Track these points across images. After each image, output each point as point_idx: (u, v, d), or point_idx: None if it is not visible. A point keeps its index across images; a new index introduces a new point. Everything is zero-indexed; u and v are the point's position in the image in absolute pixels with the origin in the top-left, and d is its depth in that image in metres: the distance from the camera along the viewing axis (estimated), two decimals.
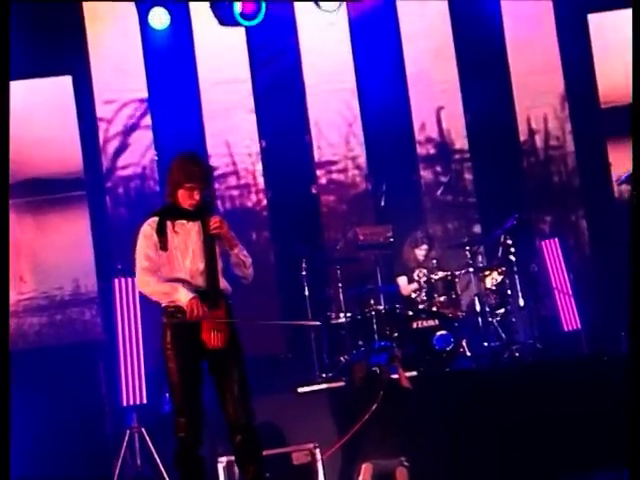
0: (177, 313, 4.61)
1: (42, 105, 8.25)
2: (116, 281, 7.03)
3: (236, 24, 8.03)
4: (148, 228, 4.70)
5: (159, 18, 7.92)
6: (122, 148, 8.35)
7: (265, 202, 8.57)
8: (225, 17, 8.01)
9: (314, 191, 8.62)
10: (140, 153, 8.37)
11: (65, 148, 8.21)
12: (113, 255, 7.81)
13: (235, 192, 8.56)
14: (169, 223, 4.65)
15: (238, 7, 7.86)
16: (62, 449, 7.05)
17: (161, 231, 4.63)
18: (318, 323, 5.41)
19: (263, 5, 7.93)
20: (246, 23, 8.02)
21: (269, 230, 8.55)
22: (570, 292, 8.03)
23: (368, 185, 8.61)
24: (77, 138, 8.25)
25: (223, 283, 4.70)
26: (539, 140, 8.84)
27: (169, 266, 4.63)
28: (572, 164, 8.83)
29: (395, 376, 6.34)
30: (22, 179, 8.08)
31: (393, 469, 5.99)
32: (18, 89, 8.16)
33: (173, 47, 8.33)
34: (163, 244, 4.61)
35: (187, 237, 4.64)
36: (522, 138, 8.81)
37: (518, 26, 8.74)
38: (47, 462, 6.95)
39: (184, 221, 4.66)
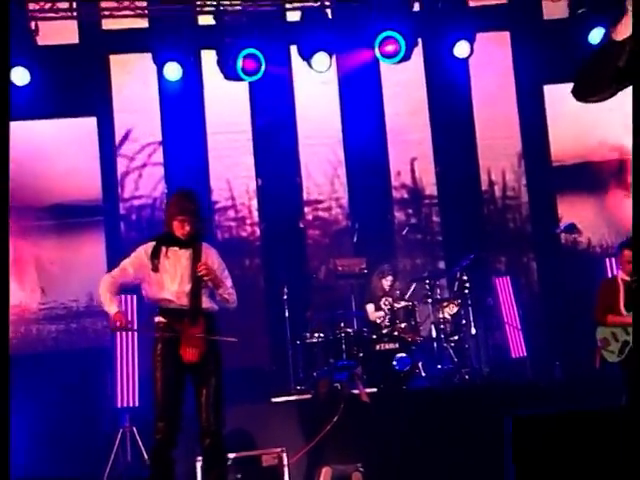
0: (167, 329, 4.66)
1: (69, 141, 8.29)
2: (122, 297, 7.04)
3: (239, 79, 8.03)
4: (142, 251, 4.79)
5: (173, 71, 7.90)
6: (136, 181, 8.38)
7: (258, 233, 8.60)
8: (229, 72, 8.03)
9: (301, 225, 8.64)
10: (152, 186, 8.41)
11: (87, 179, 8.26)
12: None
13: (233, 223, 8.58)
14: (163, 248, 4.72)
15: (241, 64, 7.85)
16: (63, 443, 7.05)
17: (155, 255, 4.69)
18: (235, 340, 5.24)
19: (263, 64, 7.93)
20: (247, 78, 8.03)
21: (260, 258, 8.57)
22: (518, 324, 8.03)
23: (348, 222, 8.63)
24: (98, 171, 8.31)
25: (207, 303, 4.74)
26: (498, 190, 8.86)
27: (157, 286, 4.69)
28: (525, 213, 8.85)
29: (355, 391, 6.36)
30: (48, 204, 8.15)
31: (350, 473, 5.99)
32: (49, 127, 8.27)
33: (185, 96, 8.36)
34: (155, 266, 4.68)
35: (177, 262, 4.71)
36: (483, 188, 8.84)
37: (484, 92, 8.78)
38: (47, 453, 6.94)
39: (176, 248, 4.73)
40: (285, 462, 6.07)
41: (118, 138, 8.39)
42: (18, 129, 8.18)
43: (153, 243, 4.79)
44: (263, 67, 7.94)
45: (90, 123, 8.32)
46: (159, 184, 8.41)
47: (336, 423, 6.09)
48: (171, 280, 4.68)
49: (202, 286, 4.70)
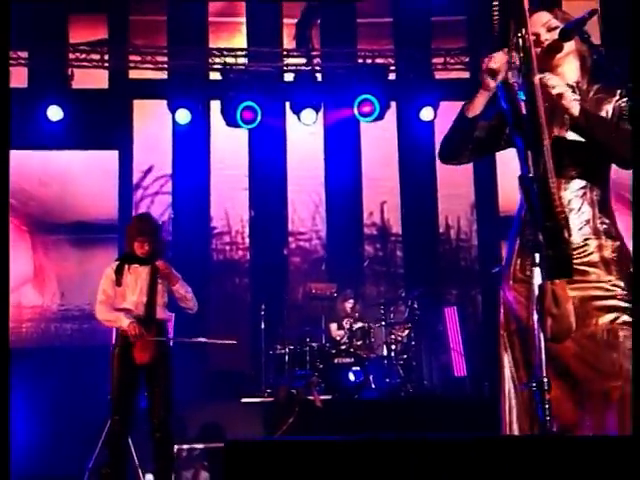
0: (123, 335, 4.62)
1: (93, 170, 8.26)
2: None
3: (238, 126, 7.98)
4: (109, 269, 4.75)
5: (183, 116, 7.87)
6: (148, 206, 8.31)
7: (248, 257, 8.53)
8: (230, 120, 8.01)
9: (285, 252, 8.56)
10: (161, 211, 8.32)
11: (106, 202, 8.20)
12: None
13: (227, 247, 8.51)
14: (126, 266, 4.69)
15: (240, 114, 7.80)
16: (68, 427, 6.89)
17: (119, 271, 4.67)
18: (234, 342, 5.22)
19: (259, 115, 7.88)
20: (245, 126, 8.00)
21: (248, 277, 8.50)
22: (461, 348, 7.90)
23: (325, 252, 8.55)
24: (116, 195, 8.25)
25: (161, 314, 4.70)
26: (453, 233, 8.77)
27: (121, 298, 4.66)
28: (474, 254, 8.76)
29: (310, 397, 6.24)
30: (71, 221, 8.10)
31: None
32: (77, 157, 8.22)
33: (194, 138, 8.33)
34: (118, 281, 4.66)
35: (138, 277, 4.67)
36: (441, 230, 8.75)
37: None
38: (46, 438, 6.82)
39: (137, 265, 4.69)
40: None
41: (135, 170, 8.34)
42: (51, 157, 8.19)
43: (117, 262, 4.78)
44: (259, 118, 7.91)
45: (112, 156, 8.28)
46: (167, 210, 8.35)
47: (292, 424, 5.96)
48: (131, 292, 4.67)
49: (156, 298, 4.66)
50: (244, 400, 6.57)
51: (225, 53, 8.08)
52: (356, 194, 8.65)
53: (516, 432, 2.47)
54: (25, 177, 8.08)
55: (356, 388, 6.77)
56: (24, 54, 7.96)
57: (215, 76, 8.19)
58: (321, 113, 8.36)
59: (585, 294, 2.42)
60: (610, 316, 2.41)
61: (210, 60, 8.13)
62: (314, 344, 7.08)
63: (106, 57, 8.03)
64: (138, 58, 8.10)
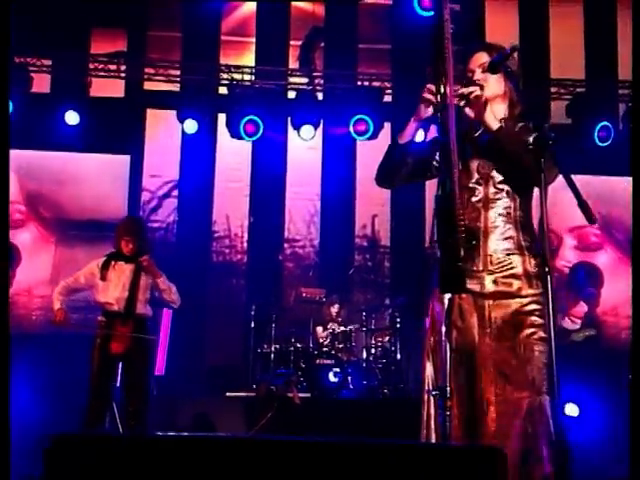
0: (104, 327, 4.70)
1: (106, 172, 8.42)
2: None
3: (241, 138, 8.09)
4: (95, 264, 4.87)
5: (190, 127, 7.99)
6: (155, 209, 8.47)
7: (246, 259, 8.64)
8: (234, 132, 8.11)
9: (280, 258, 8.66)
10: (167, 214, 8.50)
11: (116, 202, 8.33)
12: None
13: (227, 250, 8.63)
14: (112, 262, 4.79)
15: (243, 127, 7.91)
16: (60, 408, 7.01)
17: (105, 267, 4.76)
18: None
19: (261, 128, 7.98)
20: (247, 139, 8.13)
21: (245, 279, 8.60)
22: None
23: (317, 259, 8.64)
24: (126, 197, 8.40)
25: (141, 309, 4.78)
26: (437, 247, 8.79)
27: (103, 292, 4.76)
28: None
29: (290, 394, 6.31)
30: (82, 219, 8.25)
31: None
32: (91, 159, 8.35)
33: (200, 147, 8.48)
34: (103, 276, 4.76)
35: (122, 273, 4.77)
36: (426, 244, 8.76)
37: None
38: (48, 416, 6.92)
39: (122, 262, 4.79)
40: None
41: (145, 174, 8.46)
42: (67, 159, 8.33)
43: (104, 258, 4.87)
44: (261, 131, 8.01)
45: (124, 160, 8.44)
46: (172, 213, 8.50)
47: (270, 418, 6.04)
48: (114, 288, 4.76)
49: (137, 294, 4.73)
50: (228, 394, 6.66)
51: (233, 70, 8.21)
52: (349, 207, 8.75)
53: (433, 437, 2.55)
54: (43, 176, 8.24)
55: (335, 388, 6.86)
56: (48, 62, 8.12)
57: (223, 91, 8.32)
58: (320, 130, 8.46)
59: (508, 308, 2.51)
60: (528, 331, 2.50)
61: (219, 75, 8.25)
62: (299, 345, 7.17)
63: (122, 68, 8.16)
64: (153, 71, 8.25)
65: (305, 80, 8.32)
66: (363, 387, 7.13)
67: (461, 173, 2.77)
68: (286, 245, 8.72)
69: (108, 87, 8.26)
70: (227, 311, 8.39)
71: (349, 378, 7.02)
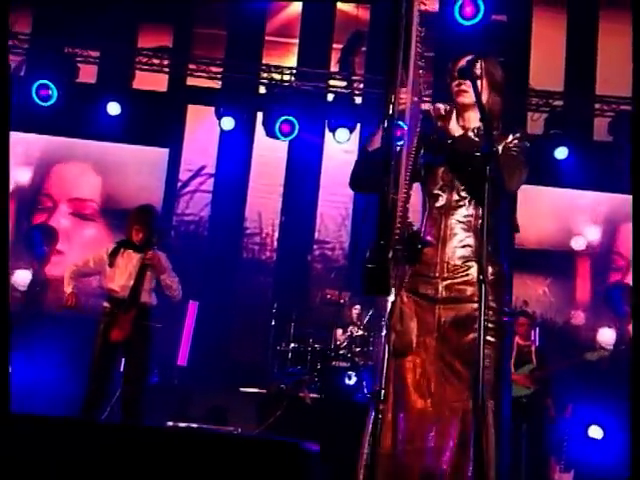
0: (107, 314, 4.77)
1: (144, 163, 8.54)
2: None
3: (276, 137, 8.14)
4: (105, 249, 4.95)
5: (227, 123, 8.06)
6: (189, 202, 8.56)
7: (275, 258, 8.67)
8: (270, 131, 8.14)
9: (309, 258, 8.67)
10: (200, 208, 8.59)
11: (152, 194, 8.41)
12: None
13: (257, 247, 8.69)
14: (122, 250, 4.84)
15: (278, 126, 7.97)
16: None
17: (114, 254, 4.82)
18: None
19: (296, 129, 8.03)
20: (282, 138, 8.14)
21: (272, 277, 8.63)
22: None
23: (345, 262, 8.64)
24: (162, 189, 8.51)
25: (146, 298, 4.81)
26: None
27: (109, 279, 4.81)
28: None
29: (301, 394, 6.33)
30: (118, 208, 8.32)
31: None
32: (131, 151, 8.53)
33: (238, 143, 8.52)
34: (111, 262, 4.82)
35: (129, 262, 4.81)
36: None
37: None
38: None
39: (131, 251, 4.84)
40: None
41: (182, 167, 8.60)
42: (107, 149, 8.53)
43: (114, 245, 4.93)
44: (296, 131, 8.05)
45: (163, 153, 8.56)
46: (206, 207, 8.59)
47: (279, 417, 6.06)
48: (120, 275, 4.80)
49: (142, 283, 4.77)
50: (242, 389, 6.71)
51: (273, 70, 8.28)
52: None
53: (366, 440, 2.55)
54: (84, 164, 8.47)
55: (350, 391, 6.82)
56: (96, 54, 8.34)
57: (263, 90, 8.39)
58: (357, 133, 8.46)
59: (459, 313, 2.50)
60: (473, 335, 2.47)
61: (260, 75, 8.34)
62: (317, 345, 7.16)
63: (166, 63, 8.31)
64: (195, 67, 8.37)
65: (344, 83, 8.33)
66: None
67: (428, 179, 2.77)
68: (315, 246, 8.72)
69: (151, 81, 8.40)
70: (252, 307, 8.44)
71: (364, 382, 6.99)
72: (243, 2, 8.46)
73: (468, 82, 2.61)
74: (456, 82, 2.68)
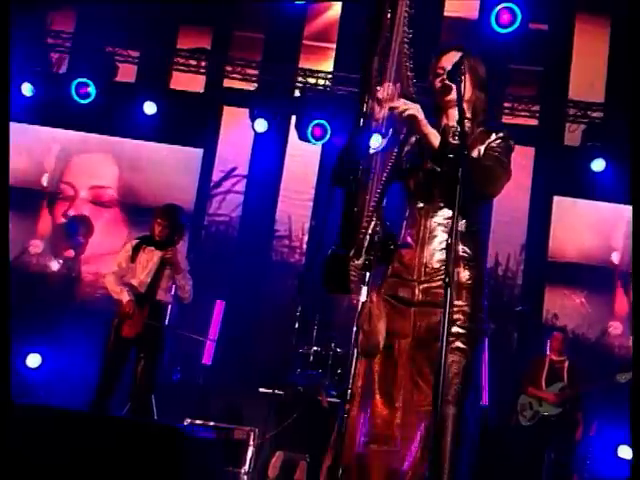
0: (121, 309, 4.83)
1: (179, 163, 8.64)
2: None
3: (308, 141, 8.17)
4: (128, 245, 5.02)
5: (260, 126, 8.11)
6: (221, 202, 8.64)
7: (303, 261, 8.68)
8: (302, 134, 8.16)
9: None
10: (232, 209, 8.64)
11: (185, 193, 8.51)
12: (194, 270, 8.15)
13: (286, 250, 8.71)
14: (143, 246, 4.91)
15: (310, 130, 8.00)
16: None
17: (136, 249, 4.88)
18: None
19: (329, 133, 8.04)
20: (314, 142, 8.15)
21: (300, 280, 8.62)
22: (486, 380, 7.74)
23: None
24: (195, 189, 8.60)
25: (162, 296, 4.86)
26: (500, 270, 8.62)
27: (131, 274, 4.87)
28: (517, 292, 8.57)
29: (319, 397, 6.31)
30: (151, 206, 8.40)
31: (297, 461, 5.93)
32: (165, 150, 8.64)
33: (271, 146, 8.55)
34: (132, 258, 4.86)
35: (150, 258, 4.87)
36: (489, 265, 8.60)
37: (505, 189, 8.50)
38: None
39: (152, 247, 4.89)
40: (252, 439, 6.12)
41: (215, 168, 8.68)
42: (142, 147, 8.67)
43: (137, 241, 4.99)
44: (328, 135, 8.06)
45: (197, 153, 8.64)
46: (237, 208, 8.65)
47: (296, 419, 6.06)
48: (140, 271, 4.85)
49: (159, 281, 4.81)
50: (261, 390, 6.72)
51: (309, 74, 8.31)
52: None
53: (332, 438, 2.54)
54: (120, 161, 8.63)
55: None
56: (136, 53, 8.50)
57: (297, 93, 8.44)
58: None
59: (432, 317, 2.47)
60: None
61: (296, 79, 8.39)
62: (339, 350, 7.13)
63: (203, 64, 8.42)
64: (232, 68, 8.46)
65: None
66: None
67: (409, 180, 2.75)
68: None
69: (188, 82, 8.53)
70: (279, 309, 8.46)
71: None
72: (282, 6, 8.50)
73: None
74: (439, 79, 2.65)
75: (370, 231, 2.40)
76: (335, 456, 2.35)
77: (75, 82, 7.96)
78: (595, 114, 8.04)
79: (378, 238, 2.44)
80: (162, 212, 5.03)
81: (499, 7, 7.44)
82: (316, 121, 7.96)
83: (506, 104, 8.33)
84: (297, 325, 7.43)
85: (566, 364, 6.60)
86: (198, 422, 6.20)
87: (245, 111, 8.46)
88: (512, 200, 8.59)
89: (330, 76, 8.37)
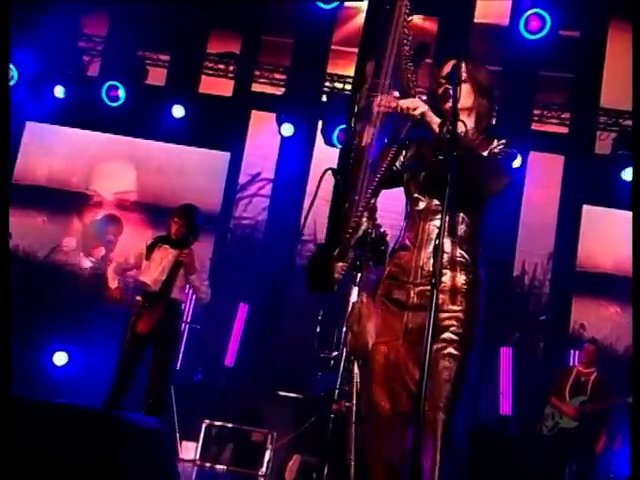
0: (140, 307, 4.87)
1: (206, 166, 8.72)
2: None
3: (334, 146, 8.18)
4: (144, 244, 5.05)
5: (286, 130, 8.15)
6: (247, 206, 8.69)
7: None
8: (328, 139, 8.17)
9: None
10: (257, 212, 8.69)
11: (212, 196, 8.60)
12: (218, 273, 8.24)
13: (308, 253, 8.72)
14: (160, 244, 4.94)
15: (335, 134, 8.02)
16: None
17: (151, 248, 4.93)
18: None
19: None
20: (339, 146, 8.15)
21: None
22: (505, 388, 7.67)
23: None
24: (222, 192, 8.66)
25: (176, 294, 4.89)
26: (527, 279, 8.52)
27: (145, 272, 4.93)
28: (544, 301, 8.46)
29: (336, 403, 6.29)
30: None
31: (313, 465, 5.96)
32: (193, 153, 8.73)
33: (297, 150, 8.57)
34: (147, 256, 4.93)
35: (165, 257, 4.91)
36: (515, 273, 8.52)
37: (532, 196, 8.49)
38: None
39: (167, 246, 4.94)
40: (269, 442, 6.14)
41: (242, 171, 8.73)
42: (170, 150, 8.77)
43: (154, 239, 5.05)
44: None
45: (225, 157, 8.71)
46: (263, 212, 8.69)
47: (314, 423, 6.07)
48: (154, 269, 4.89)
49: (174, 280, 4.84)
50: (281, 393, 6.75)
51: (336, 79, 8.34)
52: None
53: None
54: (148, 164, 8.74)
55: None
56: (166, 57, 8.61)
57: (325, 98, 8.45)
58: None
59: (425, 321, 2.45)
60: (438, 345, 2.42)
61: (323, 84, 8.41)
62: None
63: (231, 68, 8.50)
64: (260, 73, 8.52)
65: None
66: None
67: (409, 182, 2.75)
68: None
69: (217, 86, 8.61)
70: (302, 313, 8.48)
71: None
72: (311, 11, 8.53)
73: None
74: (442, 88, 2.64)
75: (361, 232, 2.40)
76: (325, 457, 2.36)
77: (106, 85, 8.08)
78: (627, 122, 7.91)
79: (370, 239, 2.43)
80: (179, 212, 5.09)
81: (528, 13, 7.38)
82: (342, 126, 7.97)
83: (535, 111, 8.26)
84: (319, 329, 7.45)
85: (592, 377, 6.47)
86: (216, 423, 6.25)
87: (272, 115, 8.50)
88: (540, 208, 8.52)
89: (351, 80, 8.37)
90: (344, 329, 2.21)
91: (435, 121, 2.50)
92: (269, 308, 8.27)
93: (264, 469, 6.14)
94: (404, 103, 2.49)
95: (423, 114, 2.49)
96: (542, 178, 8.47)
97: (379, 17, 2.41)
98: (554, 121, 8.12)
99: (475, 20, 8.63)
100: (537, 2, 7.84)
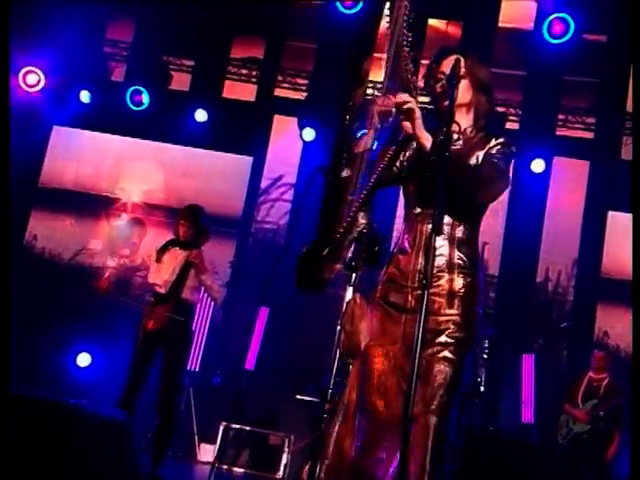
0: (149, 307, 4.91)
1: (229, 170, 8.77)
2: None
3: None
4: (155, 247, 5.10)
5: (307, 135, 8.18)
6: (269, 210, 8.72)
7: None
8: None
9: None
10: (279, 216, 8.71)
11: (234, 200, 8.66)
12: (240, 276, 8.29)
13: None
14: (170, 246, 4.99)
15: None
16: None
17: (162, 250, 4.98)
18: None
19: (376, 142, 8.01)
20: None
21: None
22: (528, 396, 7.58)
23: None
24: (244, 196, 8.71)
25: (187, 294, 4.93)
26: (550, 285, 8.42)
27: (155, 273, 4.98)
28: (568, 308, 8.36)
29: None
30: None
31: None
32: (215, 158, 8.79)
33: (319, 155, 8.51)
34: (158, 258, 4.98)
35: (174, 258, 4.95)
36: (538, 280, 8.43)
37: (557, 202, 8.41)
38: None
39: (177, 248, 4.97)
40: (286, 445, 6.15)
41: (264, 176, 8.76)
42: (193, 154, 8.84)
43: (165, 242, 5.09)
44: (375, 145, 8.01)
45: (247, 161, 8.75)
46: (285, 216, 8.71)
47: None
48: (165, 270, 4.93)
49: (184, 280, 4.88)
50: (298, 397, 6.75)
51: None
52: None
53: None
54: (171, 167, 8.83)
55: None
56: (190, 62, 8.70)
57: None
58: None
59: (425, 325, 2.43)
60: (432, 349, 2.41)
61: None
62: None
63: (254, 73, 8.55)
64: (282, 78, 8.56)
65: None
66: None
67: (408, 185, 2.73)
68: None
69: (240, 90, 8.67)
70: (324, 318, 8.47)
71: None
72: (334, 16, 8.55)
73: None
74: (440, 84, 2.63)
75: (356, 233, 2.40)
76: (314, 457, 2.35)
77: (130, 90, 8.18)
78: None
79: (365, 240, 2.43)
80: (184, 213, 5.14)
81: (551, 17, 7.32)
82: (364, 131, 7.94)
83: (560, 116, 8.18)
84: (338, 334, 7.45)
85: (605, 382, 6.43)
86: (233, 426, 6.27)
87: (294, 120, 8.54)
88: (565, 214, 8.42)
89: (380, 86, 8.35)
90: (337, 329, 2.20)
91: (426, 137, 2.49)
92: (290, 312, 8.27)
93: (281, 473, 6.14)
94: (397, 99, 2.49)
95: (411, 110, 2.48)
96: (567, 184, 8.39)
97: (378, 17, 2.40)
98: (579, 126, 8.04)
99: (499, 24, 8.57)
100: (561, 6, 7.78)
